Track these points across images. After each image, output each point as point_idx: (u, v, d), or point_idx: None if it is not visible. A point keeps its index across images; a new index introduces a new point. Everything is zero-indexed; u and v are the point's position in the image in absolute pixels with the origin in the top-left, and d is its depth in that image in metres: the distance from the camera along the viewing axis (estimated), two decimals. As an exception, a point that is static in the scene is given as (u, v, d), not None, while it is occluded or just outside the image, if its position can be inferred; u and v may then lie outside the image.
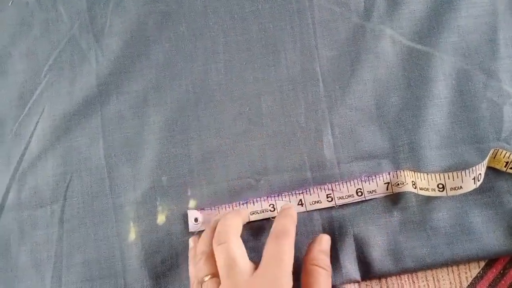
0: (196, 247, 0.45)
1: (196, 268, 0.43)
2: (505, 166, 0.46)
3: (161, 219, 0.49)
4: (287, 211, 0.44)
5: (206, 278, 0.41)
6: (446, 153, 0.48)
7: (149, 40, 0.52)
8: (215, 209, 0.48)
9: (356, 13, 0.51)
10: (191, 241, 0.47)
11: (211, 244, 0.42)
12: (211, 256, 0.42)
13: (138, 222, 0.49)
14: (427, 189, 0.45)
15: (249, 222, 0.48)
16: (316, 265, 0.42)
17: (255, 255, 0.47)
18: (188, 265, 0.47)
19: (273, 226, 0.42)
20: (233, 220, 0.43)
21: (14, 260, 0.49)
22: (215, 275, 0.41)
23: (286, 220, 0.43)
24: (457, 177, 0.44)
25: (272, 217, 0.48)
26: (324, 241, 0.44)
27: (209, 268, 0.41)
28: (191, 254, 0.46)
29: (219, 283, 0.40)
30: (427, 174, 0.45)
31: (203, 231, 0.47)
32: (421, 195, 0.46)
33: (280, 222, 0.43)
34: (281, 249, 0.40)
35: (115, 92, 0.51)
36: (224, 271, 0.40)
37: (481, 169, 0.44)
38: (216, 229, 0.42)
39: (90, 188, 0.50)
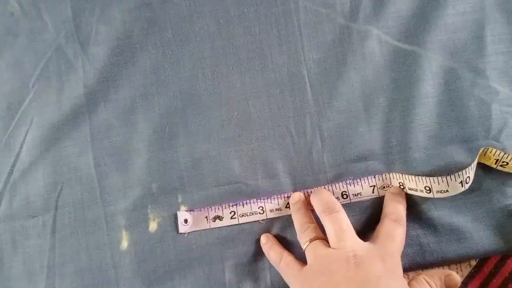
0: (270, 241, 0.47)
1: (301, 235, 0.45)
2: (495, 164, 0.46)
3: (152, 226, 0.49)
4: (399, 197, 0.46)
5: (310, 242, 0.43)
6: (435, 153, 0.47)
7: (135, 47, 0.52)
8: (204, 210, 0.48)
9: (342, 14, 0.51)
10: (263, 237, 0.48)
11: (310, 217, 0.46)
12: (317, 225, 0.45)
13: (130, 230, 0.49)
14: (416, 190, 0.45)
15: (238, 225, 0.48)
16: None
17: (247, 260, 0.47)
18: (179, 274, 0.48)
19: (386, 208, 0.45)
20: (332, 196, 0.46)
21: (7, 271, 0.49)
22: (321, 238, 0.44)
23: (400, 206, 0.45)
24: (442, 182, 0.43)
25: (261, 220, 0.48)
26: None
27: (316, 233, 0.44)
28: (266, 248, 0.47)
29: (327, 244, 0.42)
30: (414, 177, 0.45)
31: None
32: (410, 195, 0.46)
33: (395, 207, 0.45)
34: (396, 230, 0.43)
35: (103, 101, 0.51)
36: (337, 236, 0.42)
37: (469, 173, 0.44)
38: (321, 201, 0.45)
39: (81, 197, 0.50)
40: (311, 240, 0.43)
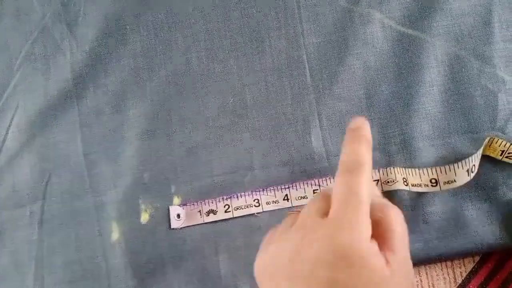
0: None
1: None
2: (500, 155, 0.45)
3: (144, 217, 0.47)
4: (358, 131, 0.35)
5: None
6: (439, 143, 0.46)
7: (126, 29, 0.49)
8: (198, 204, 0.47)
9: (343, -4, 0.49)
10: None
11: None
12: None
13: (120, 221, 0.47)
14: (420, 185, 0.43)
15: (233, 218, 0.47)
16: (382, 216, 0.32)
17: (243, 253, 0.46)
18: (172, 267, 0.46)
19: (342, 154, 0.34)
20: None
21: (-6, 262, 0.47)
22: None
23: (360, 145, 0.33)
24: (450, 171, 0.42)
25: (257, 213, 0.46)
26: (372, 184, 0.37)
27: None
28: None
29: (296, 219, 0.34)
30: (419, 169, 0.43)
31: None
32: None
33: (352, 148, 0.33)
34: (355, 186, 0.31)
35: (92, 85, 0.49)
36: (304, 208, 0.33)
37: (474, 160, 0.43)
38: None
39: (69, 186, 0.48)
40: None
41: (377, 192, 0.37)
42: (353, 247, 0.29)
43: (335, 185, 0.32)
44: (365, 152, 0.33)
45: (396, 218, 0.32)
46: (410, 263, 0.33)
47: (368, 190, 0.31)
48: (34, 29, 0.50)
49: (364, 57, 0.48)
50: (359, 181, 0.31)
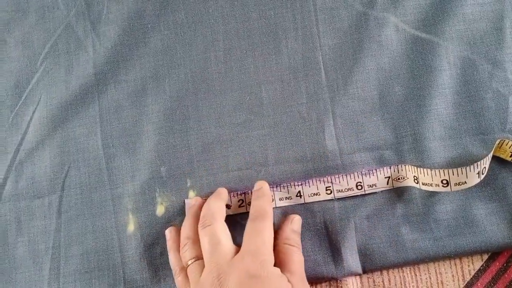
0: (173, 238, 0.46)
1: (181, 254, 0.44)
2: (510, 156, 0.46)
3: (160, 210, 0.48)
4: (260, 191, 0.46)
5: (190, 262, 0.42)
6: (450, 144, 0.47)
7: (147, 28, 0.51)
8: None
9: (359, 0, 0.50)
10: (167, 232, 0.47)
11: (195, 229, 0.44)
12: (196, 241, 0.43)
13: (137, 213, 0.48)
14: (431, 185, 0.44)
15: (246, 213, 0.47)
16: (289, 244, 0.43)
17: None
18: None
19: (250, 209, 0.44)
20: (217, 204, 0.45)
21: (12, 251, 0.48)
22: (199, 258, 0.42)
23: (262, 201, 0.44)
24: (462, 173, 0.43)
25: None
26: (296, 221, 0.46)
27: (193, 252, 0.43)
28: (169, 244, 0.46)
29: (203, 266, 0.41)
30: (431, 170, 0.44)
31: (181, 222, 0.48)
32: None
33: (256, 204, 0.44)
34: (260, 228, 0.41)
35: (113, 81, 0.50)
36: (208, 252, 0.41)
37: (486, 163, 0.43)
38: (201, 214, 0.44)
39: (88, 178, 0.49)
40: (194, 259, 0.43)
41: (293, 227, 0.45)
42: (262, 270, 0.38)
43: (245, 229, 0.42)
44: (266, 205, 0.44)
45: (293, 249, 0.42)
46: (307, 282, 0.42)
47: (270, 231, 0.42)
48: (58, 26, 0.52)
49: (378, 59, 0.49)
50: (263, 226, 0.42)
